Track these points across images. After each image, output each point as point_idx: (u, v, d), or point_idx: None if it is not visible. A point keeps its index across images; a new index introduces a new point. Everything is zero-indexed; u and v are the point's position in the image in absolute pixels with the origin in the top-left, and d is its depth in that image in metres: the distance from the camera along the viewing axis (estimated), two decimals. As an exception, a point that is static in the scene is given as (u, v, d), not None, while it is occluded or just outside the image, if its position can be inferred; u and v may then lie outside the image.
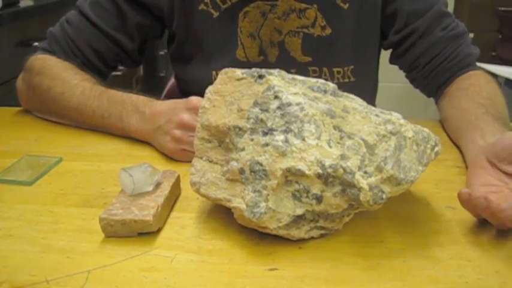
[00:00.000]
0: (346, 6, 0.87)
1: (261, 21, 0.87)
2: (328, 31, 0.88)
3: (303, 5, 0.86)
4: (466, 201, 0.52)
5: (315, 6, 0.86)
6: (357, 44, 0.91)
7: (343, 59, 0.91)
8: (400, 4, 0.87)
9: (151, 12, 0.90)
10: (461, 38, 0.87)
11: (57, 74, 0.85)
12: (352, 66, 0.91)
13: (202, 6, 0.88)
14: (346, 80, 0.92)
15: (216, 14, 0.88)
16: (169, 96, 1.28)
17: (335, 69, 0.91)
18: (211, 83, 0.90)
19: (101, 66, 0.93)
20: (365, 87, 0.96)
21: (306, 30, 0.88)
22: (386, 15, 0.89)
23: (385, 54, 0.99)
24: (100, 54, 0.91)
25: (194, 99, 0.70)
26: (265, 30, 0.88)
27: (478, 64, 0.90)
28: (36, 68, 0.88)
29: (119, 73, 1.84)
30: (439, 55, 0.87)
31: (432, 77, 0.89)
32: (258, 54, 0.90)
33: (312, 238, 0.53)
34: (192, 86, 0.98)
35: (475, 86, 0.82)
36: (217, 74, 0.90)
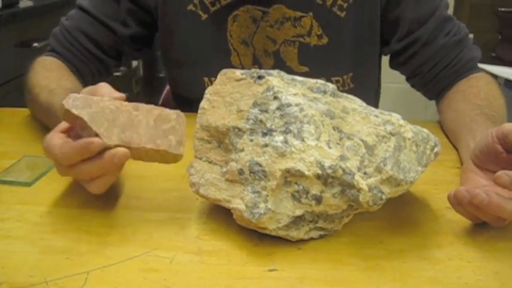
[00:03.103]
0: (342, 15, 0.86)
1: (253, 29, 0.86)
2: (325, 40, 0.87)
3: (298, 13, 0.85)
4: (454, 204, 0.53)
5: (311, 14, 0.85)
6: (356, 52, 0.89)
7: (341, 67, 0.90)
8: (403, 11, 0.86)
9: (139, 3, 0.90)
10: (463, 43, 0.87)
11: (40, 76, 0.82)
12: (351, 74, 0.90)
13: (191, 7, 0.87)
14: (346, 88, 0.91)
15: (204, 16, 0.87)
16: (168, 98, 1.28)
17: (333, 79, 0.90)
18: (202, 88, 0.90)
19: (100, 55, 0.92)
20: (365, 92, 0.95)
21: (301, 40, 0.86)
22: (388, 22, 0.88)
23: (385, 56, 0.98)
24: (95, 41, 0.91)
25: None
26: (258, 39, 0.87)
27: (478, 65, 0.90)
28: (30, 71, 0.86)
29: (118, 73, 1.85)
30: (441, 62, 0.86)
31: (434, 82, 0.88)
32: (252, 63, 0.89)
33: (312, 239, 0.53)
34: (183, 90, 0.97)
35: (474, 88, 0.82)
36: (209, 80, 0.90)
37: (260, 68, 0.89)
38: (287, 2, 0.84)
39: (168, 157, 0.54)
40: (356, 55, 0.89)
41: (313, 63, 0.89)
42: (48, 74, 0.82)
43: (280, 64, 0.89)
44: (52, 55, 0.90)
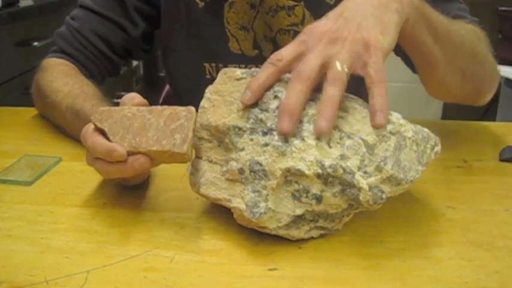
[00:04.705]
0: (332, 2, 0.85)
1: (253, 14, 0.86)
2: None
3: (292, 2, 0.85)
4: None
5: (302, 3, 0.85)
6: None
7: None
8: None
9: None
10: (465, 12, 0.86)
11: (59, 81, 0.83)
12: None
13: None
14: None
15: (201, 4, 0.87)
16: (168, 96, 1.28)
17: None
18: (204, 76, 0.89)
19: (111, 55, 0.92)
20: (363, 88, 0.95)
21: (296, 29, 0.87)
22: None
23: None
24: (107, 41, 0.91)
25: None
26: (258, 23, 0.87)
27: None
28: (43, 74, 0.86)
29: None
30: None
31: None
32: (252, 47, 0.89)
33: (312, 238, 0.53)
34: (183, 80, 0.97)
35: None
36: (210, 66, 0.90)
37: (261, 52, 0.89)
38: None
39: (176, 156, 0.53)
40: None
41: None
42: (68, 80, 0.82)
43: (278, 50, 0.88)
44: (61, 56, 0.90)
